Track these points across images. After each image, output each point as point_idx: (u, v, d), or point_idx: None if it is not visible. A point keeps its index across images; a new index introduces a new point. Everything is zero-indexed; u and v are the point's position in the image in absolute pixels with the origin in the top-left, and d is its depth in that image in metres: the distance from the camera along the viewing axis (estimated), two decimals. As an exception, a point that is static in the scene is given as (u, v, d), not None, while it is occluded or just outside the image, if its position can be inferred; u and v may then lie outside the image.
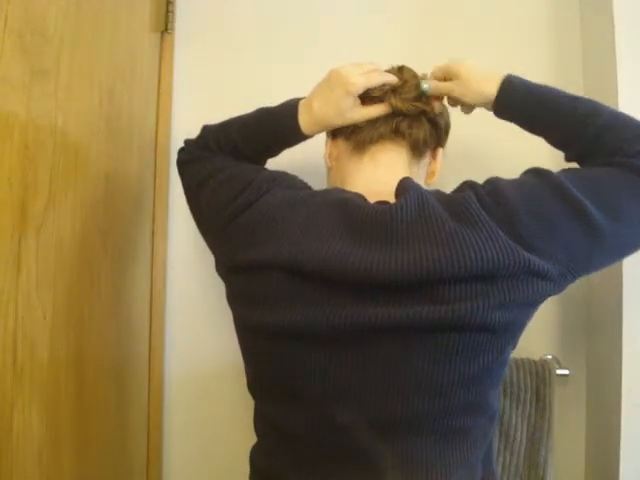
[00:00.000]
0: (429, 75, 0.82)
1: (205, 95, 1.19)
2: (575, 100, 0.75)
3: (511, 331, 0.69)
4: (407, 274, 0.64)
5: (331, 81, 0.78)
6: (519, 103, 0.76)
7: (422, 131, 0.79)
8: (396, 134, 0.79)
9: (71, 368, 0.83)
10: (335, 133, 0.83)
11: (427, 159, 0.82)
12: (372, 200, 0.72)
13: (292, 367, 0.70)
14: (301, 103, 0.81)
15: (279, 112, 0.83)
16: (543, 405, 0.99)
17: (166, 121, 1.16)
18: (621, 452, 0.94)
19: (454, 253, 0.64)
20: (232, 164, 0.83)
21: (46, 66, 0.76)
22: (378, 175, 0.78)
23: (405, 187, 0.71)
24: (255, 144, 0.85)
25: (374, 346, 0.67)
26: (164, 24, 1.16)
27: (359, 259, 0.65)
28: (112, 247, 0.96)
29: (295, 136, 0.82)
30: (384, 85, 0.78)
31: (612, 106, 0.76)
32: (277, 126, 0.83)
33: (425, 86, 0.79)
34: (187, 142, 0.90)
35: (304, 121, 0.80)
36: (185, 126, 1.06)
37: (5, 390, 0.68)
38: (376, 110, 0.78)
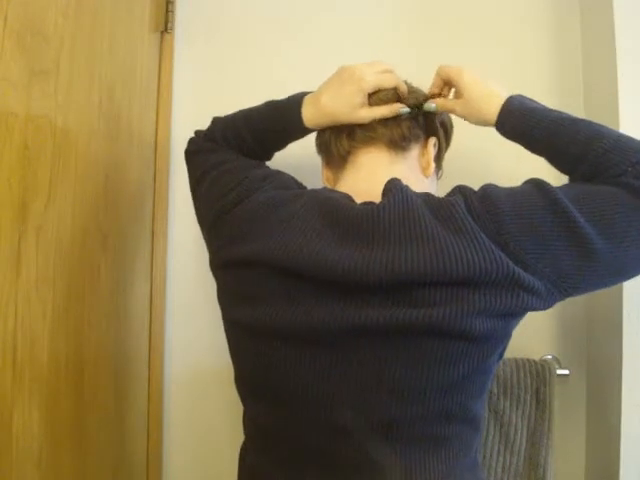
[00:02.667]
0: (430, 84, 0.83)
1: (205, 95, 1.19)
2: (576, 123, 0.72)
3: (492, 340, 0.67)
4: (385, 275, 0.63)
5: (343, 77, 0.79)
6: (519, 129, 0.75)
7: (397, 129, 0.79)
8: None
9: (71, 368, 0.83)
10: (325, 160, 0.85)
11: (416, 152, 0.81)
12: (359, 200, 0.72)
13: (270, 366, 0.69)
14: (307, 97, 0.82)
15: (284, 104, 0.84)
16: (543, 405, 0.99)
17: (166, 121, 1.16)
18: (621, 452, 0.94)
19: (434, 256, 0.63)
20: (232, 158, 0.84)
21: (46, 66, 0.76)
22: (361, 176, 0.79)
23: (390, 188, 0.71)
24: (260, 136, 0.85)
25: (351, 347, 0.66)
26: (164, 24, 1.16)
27: (338, 258, 0.65)
28: (112, 247, 0.96)
29: (297, 129, 0.83)
30: (395, 88, 0.79)
31: (612, 106, 0.76)
32: (280, 118, 0.83)
33: (432, 106, 0.81)
34: (197, 133, 0.91)
35: (308, 114, 0.81)
36: (185, 126, 1.06)
37: (5, 390, 0.68)
38: (382, 112, 0.78)
